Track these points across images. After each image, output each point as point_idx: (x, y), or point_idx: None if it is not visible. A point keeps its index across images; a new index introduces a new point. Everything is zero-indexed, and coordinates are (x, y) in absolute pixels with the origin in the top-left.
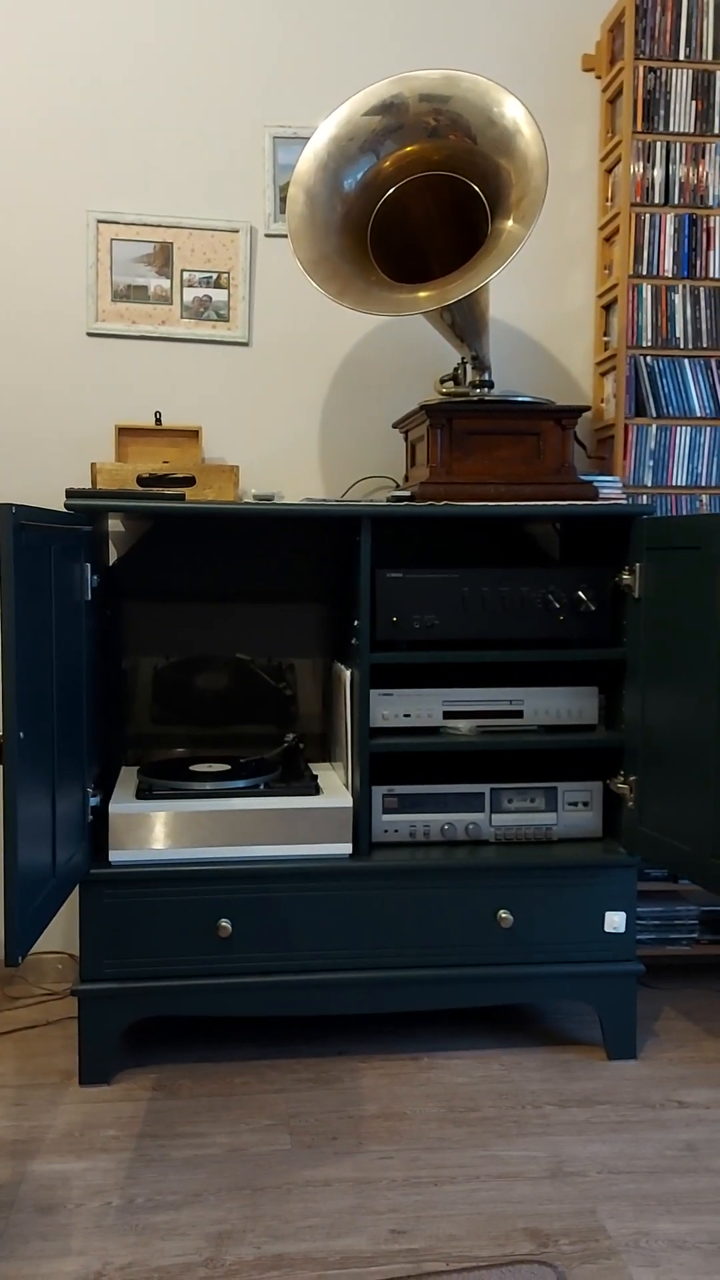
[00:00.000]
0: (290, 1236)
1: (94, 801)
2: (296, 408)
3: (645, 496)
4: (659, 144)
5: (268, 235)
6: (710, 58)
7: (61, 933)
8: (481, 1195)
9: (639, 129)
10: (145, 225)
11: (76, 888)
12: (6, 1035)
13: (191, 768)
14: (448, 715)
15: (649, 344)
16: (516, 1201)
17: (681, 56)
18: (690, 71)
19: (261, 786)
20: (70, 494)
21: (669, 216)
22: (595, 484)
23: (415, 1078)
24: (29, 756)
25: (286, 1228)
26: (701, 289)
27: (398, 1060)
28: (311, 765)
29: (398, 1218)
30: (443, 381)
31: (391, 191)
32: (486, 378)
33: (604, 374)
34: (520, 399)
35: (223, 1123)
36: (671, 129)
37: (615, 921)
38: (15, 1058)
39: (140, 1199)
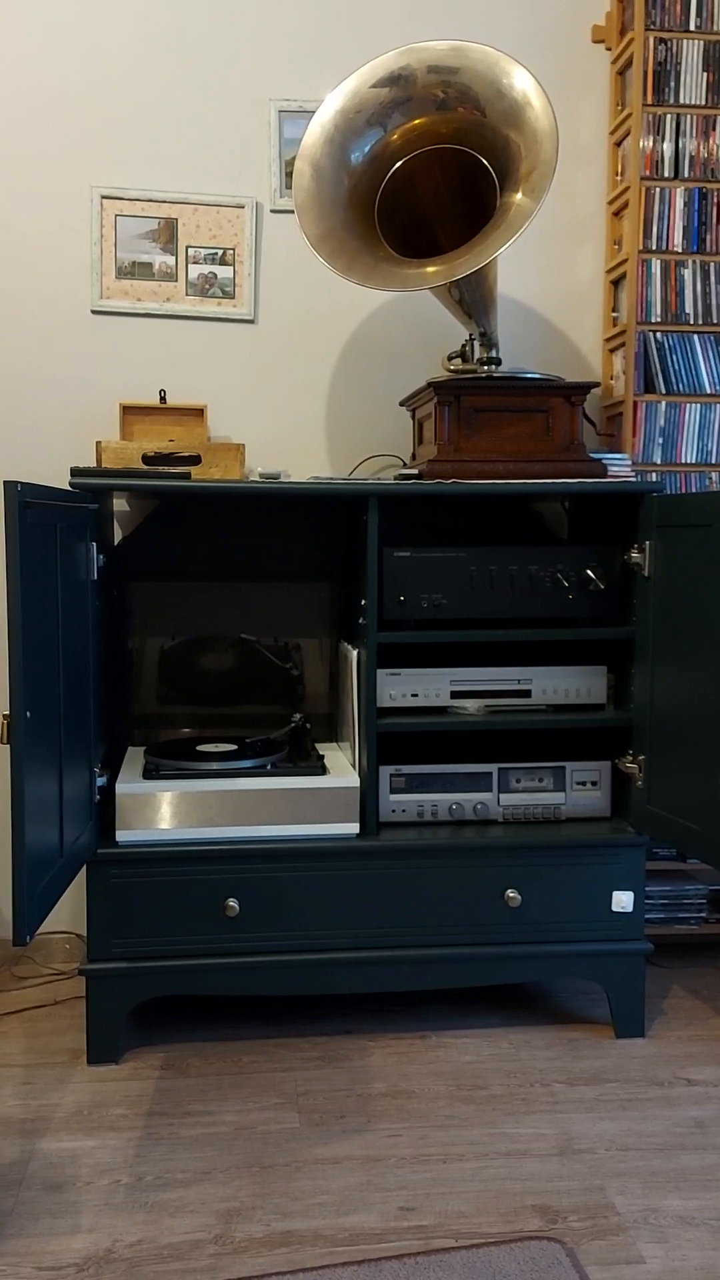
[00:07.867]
0: (299, 1214)
1: (101, 781)
2: (303, 385)
3: (655, 474)
4: (669, 116)
5: (273, 211)
6: None
7: (69, 913)
8: (490, 1172)
9: (649, 101)
10: (150, 201)
11: (84, 868)
12: (14, 1015)
13: (198, 748)
14: (455, 695)
15: (658, 320)
16: (525, 1179)
17: (692, 27)
18: (701, 43)
19: (268, 766)
20: (75, 472)
21: (679, 191)
22: (604, 461)
23: (423, 1056)
24: (36, 736)
25: (295, 1205)
26: (711, 264)
27: (406, 1039)
28: (318, 745)
29: (406, 1195)
30: (450, 358)
31: (399, 165)
32: (494, 354)
33: (613, 350)
34: (528, 375)
35: (231, 1101)
36: (682, 101)
37: (623, 900)
38: (23, 1037)
39: (149, 1177)
